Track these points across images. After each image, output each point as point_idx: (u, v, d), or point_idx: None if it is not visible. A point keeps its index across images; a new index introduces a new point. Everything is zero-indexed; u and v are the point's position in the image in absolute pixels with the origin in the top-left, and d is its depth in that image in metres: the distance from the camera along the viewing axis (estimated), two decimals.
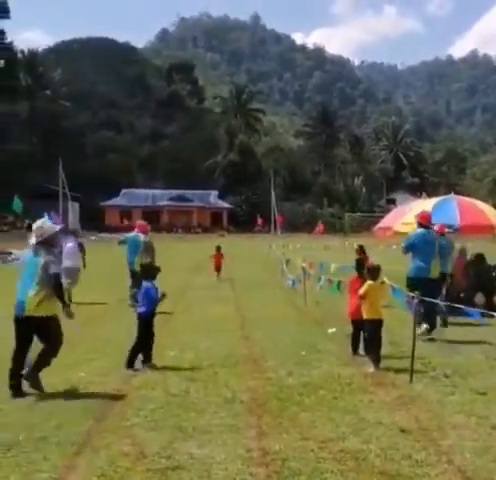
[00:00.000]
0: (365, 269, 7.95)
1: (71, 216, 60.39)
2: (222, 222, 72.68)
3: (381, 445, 4.89)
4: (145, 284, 7.73)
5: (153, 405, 5.94)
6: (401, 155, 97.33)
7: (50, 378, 6.95)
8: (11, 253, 29.99)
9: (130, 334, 9.65)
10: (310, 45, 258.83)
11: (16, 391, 6.33)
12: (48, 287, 6.47)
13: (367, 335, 7.67)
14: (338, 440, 5.01)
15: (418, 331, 9.51)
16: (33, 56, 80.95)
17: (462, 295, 12.39)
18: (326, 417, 5.61)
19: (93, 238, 43.99)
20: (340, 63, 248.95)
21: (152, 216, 68.28)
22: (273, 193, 28.97)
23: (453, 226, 12.04)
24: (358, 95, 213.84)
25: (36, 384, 6.44)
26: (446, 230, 11.40)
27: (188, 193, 72.11)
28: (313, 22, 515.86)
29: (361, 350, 7.95)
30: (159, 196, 72.94)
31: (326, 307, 12.40)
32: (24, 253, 6.98)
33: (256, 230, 56.49)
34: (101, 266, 25.37)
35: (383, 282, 8.20)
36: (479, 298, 12.52)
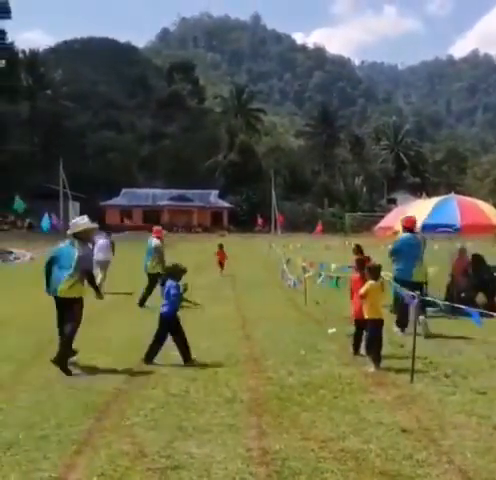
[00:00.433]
0: (366, 269, 7.94)
1: (71, 216, 60.47)
2: (222, 222, 72.65)
3: (382, 445, 4.88)
4: (169, 283, 7.85)
5: (153, 404, 5.94)
6: (402, 155, 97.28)
7: (50, 377, 6.95)
8: (12, 252, 29.99)
9: (131, 333, 9.66)
10: (310, 45, 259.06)
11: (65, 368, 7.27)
12: (78, 275, 7.55)
13: (368, 335, 7.66)
14: (338, 440, 5.00)
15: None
16: (34, 56, 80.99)
17: (463, 295, 12.38)
18: (326, 417, 5.60)
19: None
20: (340, 63, 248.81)
21: (152, 216, 68.27)
22: (273, 193, 28.97)
23: (454, 226, 12.02)
24: (358, 95, 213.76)
25: (64, 362, 7.31)
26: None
27: (188, 193, 72.08)
28: (313, 22, 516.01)
29: (362, 350, 7.93)
30: (159, 196, 72.91)
31: (326, 307, 12.40)
32: (60, 244, 7.92)
33: (256, 230, 56.52)
34: None
35: (382, 282, 8.18)
36: (480, 298, 12.51)
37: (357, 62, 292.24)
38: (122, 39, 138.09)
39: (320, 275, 12.71)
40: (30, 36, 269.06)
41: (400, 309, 9.87)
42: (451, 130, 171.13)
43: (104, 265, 15.93)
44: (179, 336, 7.74)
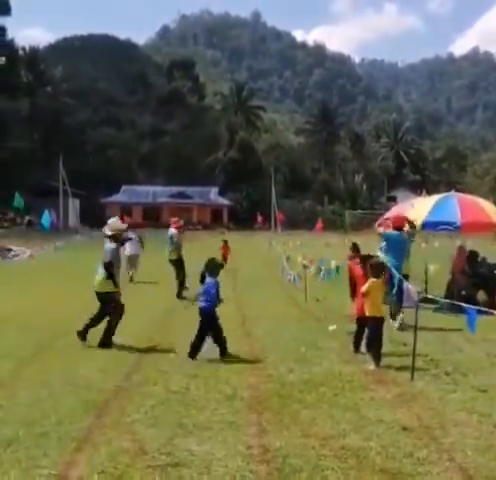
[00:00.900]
0: (368, 266, 7.94)
1: (71, 213, 60.47)
2: (222, 219, 72.61)
3: (382, 443, 4.88)
4: (208, 280, 7.95)
5: (153, 401, 5.93)
6: (402, 152, 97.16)
7: (50, 374, 6.94)
8: (11, 250, 29.96)
9: (131, 331, 9.65)
10: (310, 42, 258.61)
11: (83, 337, 8.53)
12: (104, 269, 8.47)
13: (369, 333, 7.65)
14: (339, 437, 5.00)
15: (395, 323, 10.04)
16: (34, 53, 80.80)
17: (463, 293, 12.38)
18: (327, 414, 5.59)
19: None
20: (340, 60, 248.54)
21: (152, 213, 68.27)
22: (273, 190, 28.98)
23: (454, 223, 12.01)
24: (358, 92, 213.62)
25: (107, 345, 8.42)
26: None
27: (188, 190, 72.03)
28: (314, 19, 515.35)
29: (363, 348, 7.92)
30: (159, 193, 72.87)
31: (326, 304, 12.39)
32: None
33: (256, 227, 56.47)
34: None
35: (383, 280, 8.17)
36: (480, 296, 12.50)
37: (357, 60, 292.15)
38: (122, 36, 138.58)
39: (320, 270, 12.72)
40: (30, 33, 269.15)
41: (395, 300, 10.22)
42: (451, 128, 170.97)
43: (134, 259, 17.66)
44: (215, 332, 7.84)
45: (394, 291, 9.95)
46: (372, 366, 7.34)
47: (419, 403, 5.96)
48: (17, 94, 74.22)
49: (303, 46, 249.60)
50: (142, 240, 18.40)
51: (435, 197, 13.74)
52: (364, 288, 7.68)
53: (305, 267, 14.27)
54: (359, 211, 61.55)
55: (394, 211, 14.97)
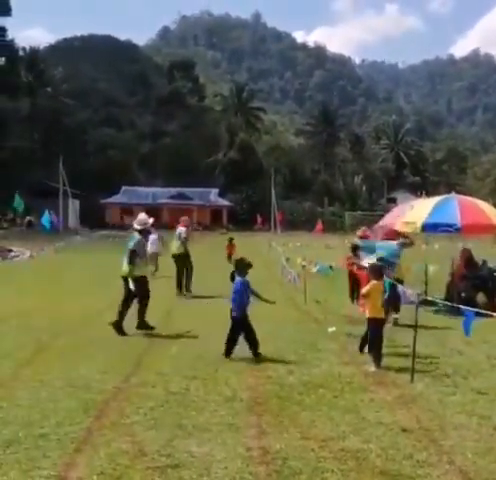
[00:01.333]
0: (369, 268, 7.96)
1: (71, 213, 60.48)
2: (222, 220, 72.60)
3: (382, 445, 4.87)
4: (237, 279, 8.08)
5: (153, 403, 5.93)
6: (402, 154, 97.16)
7: (50, 375, 6.94)
8: (11, 250, 29.93)
9: (130, 331, 9.64)
10: (311, 43, 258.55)
11: (119, 329, 9.34)
12: (128, 257, 9.57)
13: (369, 334, 7.66)
14: (338, 439, 4.99)
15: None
16: (34, 53, 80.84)
17: (463, 295, 12.37)
18: (326, 416, 5.59)
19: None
20: (341, 62, 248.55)
21: (152, 214, 67.59)
22: (273, 191, 29.04)
23: (454, 225, 12.01)
24: (359, 94, 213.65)
25: (144, 326, 9.50)
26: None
27: (188, 191, 72.02)
28: (314, 20, 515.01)
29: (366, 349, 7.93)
30: (159, 194, 72.86)
31: (326, 306, 12.39)
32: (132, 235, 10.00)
33: (256, 228, 56.46)
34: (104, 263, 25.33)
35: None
36: (480, 298, 12.50)
37: (358, 61, 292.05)
38: (122, 37, 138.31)
39: (316, 264, 12.79)
40: (31, 34, 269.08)
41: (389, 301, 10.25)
42: (451, 130, 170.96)
43: (154, 257, 18.54)
44: (246, 333, 7.94)
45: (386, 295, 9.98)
46: (372, 368, 7.34)
47: (419, 405, 5.96)
48: (17, 94, 74.20)
49: (303, 47, 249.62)
50: (163, 239, 19.83)
51: (435, 199, 13.75)
52: (364, 290, 7.72)
53: (304, 269, 14.27)
54: (359, 212, 61.61)
55: (394, 213, 14.99)
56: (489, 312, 6.79)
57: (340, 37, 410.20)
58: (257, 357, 7.85)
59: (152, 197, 73.00)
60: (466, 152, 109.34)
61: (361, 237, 13.78)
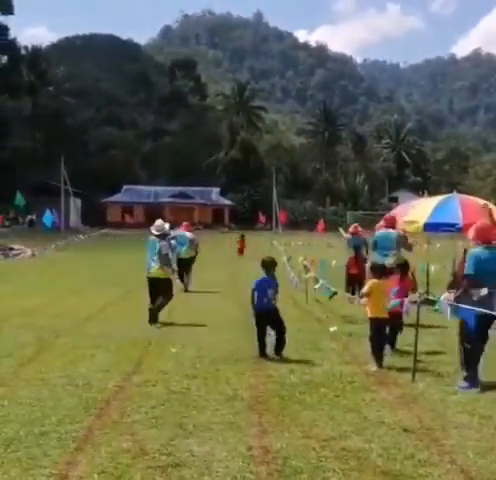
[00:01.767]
0: (369, 268, 7.97)
1: (73, 212, 60.52)
2: (223, 219, 72.62)
3: (383, 444, 4.86)
4: (262, 277, 8.29)
5: (154, 402, 5.92)
6: (403, 153, 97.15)
7: (51, 374, 6.94)
8: (12, 249, 29.96)
9: (131, 329, 9.65)
10: (312, 43, 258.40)
11: (153, 319, 10.32)
12: (162, 260, 10.53)
13: (371, 333, 7.65)
14: (340, 439, 4.98)
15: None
16: (36, 52, 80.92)
17: None
18: (328, 415, 5.58)
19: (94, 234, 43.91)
20: (342, 61, 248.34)
21: (154, 213, 68.11)
22: (274, 191, 29.18)
23: (456, 225, 11.99)
24: (360, 93, 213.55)
25: (155, 319, 10.32)
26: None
27: (190, 190, 72.03)
28: (316, 20, 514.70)
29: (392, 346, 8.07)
30: (161, 193, 72.88)
31: (327, 305, 12.38)
32: (149, 239, 10.89)
33: (258, 227, 56.48)
34: (106, 262, 25.39)
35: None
36: None
37: (359, 60, 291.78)
38: (124, 36, 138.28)
39: (317, 281, 12.71)
40: (34, 32, 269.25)
41: None
42: (453, 129, 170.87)
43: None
44: (278, 328, 8.06)
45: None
46: (374, 367, 7.33)
47: (420, 405, 5.94)
48: (19, 93, 74.29)
49: (305, 46, 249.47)
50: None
51: (437, 198, 13.72)
52: (364, 289, 7.74)
53: (306, 269, 14.25)
54: (360, 212, 61.58)
55: (396, 212, 14.96)
56: (489, 312, 6.76)
57: (342, 36, 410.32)
58: (278, 355, 7.89)
59: (153, 196, 73.02)
60: (468, 152, 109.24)
61: (353, 233, 14.05)
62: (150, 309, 10.45)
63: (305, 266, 14.45)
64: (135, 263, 23.31)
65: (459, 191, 15.99)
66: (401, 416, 5.57)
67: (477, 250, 6.86)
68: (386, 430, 5.19)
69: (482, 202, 13.60)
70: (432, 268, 13.92)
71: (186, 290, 15.37)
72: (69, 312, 11.70)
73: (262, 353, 7.96)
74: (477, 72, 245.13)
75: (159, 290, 10.55)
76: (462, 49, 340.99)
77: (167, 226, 11.16)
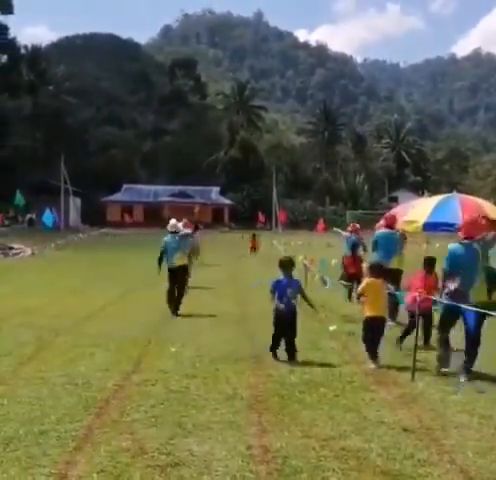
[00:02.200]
0: (367, 267, 7.98)
1: (72, 211, 60.51)
2: (223, 219, 72.62)
3: (383, 444, 4.86)
4: (281, 276, 8.03)
5: (153, 401, 5.91)
6: (403, 153, 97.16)
7: (51, 373, 6.93)
8: (12, 248, 29.94)
9: (131, 329, 9.64)
10: (313, 42, 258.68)
11: (174, 311, 11.50)
12: (183, 249, 12.19)
13: (363, 334, 7.69)
14: (339, 438, 4.98)
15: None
16: (36, 52, 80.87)
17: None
18: (327, 415, 5.58)
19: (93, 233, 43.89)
20: (343, 61, 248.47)
21: (153, 212, 68.21)
22: (274, 190, 29.21)
23: (455, 224, 11.97)
24: (360, 93, 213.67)
25: (177, 310, 11.55)
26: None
27: (189, 189, 72.01)
28: (316, 19, 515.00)
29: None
30: (161, 192, 72.86)
31: (327, 304, 12.36)
32: (166, 238, 12.04)
33: (258, 227, 56.44)
34: (107, 261, 25.36)
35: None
36: None
37: (359, 60, 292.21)
38: (125, 35, 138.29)
39: (325, 282, 12.68)
40: (34, 32, 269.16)
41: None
42: (453, 129, 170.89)
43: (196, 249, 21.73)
44: (289, 332, 7.83)
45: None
46: (372, 365, 7.33)
47: (420, 404, 5.94)
48: (19, 92, 74.29)
49: (305, 46, 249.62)
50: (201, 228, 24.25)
51: (436, 198, 13.67)
52: (360, 288, 7.81)
53: (305, 267, 14.25)
54: (360, 211, 61.59)
55: (396, 211, 14.94)
56: (489, 312, 6.76)
57: (342, 36, 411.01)
58: (291, 360, 7.69)
59: (153, 195, 73.03)
60: (467, 152, 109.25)
61: (351, 231, 14.07)
62: (169, 292, 11.80)
63: (305, 265, 14.46)
64: (135, 263, 23.34)
65: (459, 191, 15.93)
66: (401, 416, 5.57)
67: (453, 246, 7.38)
68: (386, 430, 5.19)
69: (482, 202, 13.61)
70: None
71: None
72: (69, 311, 11.69)
73: (274, 354, 7.81)
74: (477, 72, 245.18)
75: (178, 276, 11.94)
76: (462, 49, 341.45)
77: (180, 225, 12.79)
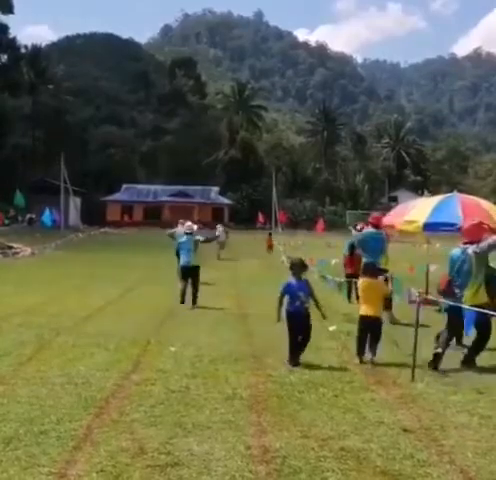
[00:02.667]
0: (362, 267, 8.04)
1: (72, 211, 60.48)
2: (223, 218, 72.56)
3: (382, 444, 4.85)
4: (289, 279, 8.01)
5: (153, 401, 5.91)
6: (403, 153, 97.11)
7: (50, 372, 6.93)
8: (12, 247, 29.92)
9: (131, 329, 9.64)
10: (313, 42, 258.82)
11: (194, 302, 12.42)
12: (195, 253, 13.12)
13: (358, 331, 7.75)
14: (339, 439, 4.98)
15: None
16: (36, 51, 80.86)
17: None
18: (327, 415, 5.57)
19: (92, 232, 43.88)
20: (343, 60, 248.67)
21: (153, 212, 68.21)
22: (274, 190, 29.22)
23: (455, 224, 11.97)
24: (360, 92, 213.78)
25: (195, 301, 12.45)
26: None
27: (189, 189, 71.98)
28: (316, 19, 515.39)
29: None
30: (160, 192, 72.84)
31: (327, 304, 12.36)
32: (182, 238, 13.39)
33: (258, 227, 56.40)
34: (107, 261, 25.35)
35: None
36: None
37: (359, 59, 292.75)
38: (124, 35, 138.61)
39: (324, 277, 12.72)
40: (34, 31, 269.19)
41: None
42: (453, 129, 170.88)
43: (223, 243, 25.16)
44: (300, 334, 7.73)
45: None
46: (356, 360, 7.57)
47: (419, 405, 5.94)
48: (19, 92, 74.23)
49: (305, 46, 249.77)
50: (227, 231, 28.76)
51: (437, 198, 13.68)
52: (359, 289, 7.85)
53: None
54: (360, 211, 61.59)
55: (396, 211, 14.95)
56: (490, 312, 6.77)
57: (342, 36, 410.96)
58: (291, 362, 7.53)
59: (153, 195, 73.01)
60: (468, 151, 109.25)
61: (360, 230, 13.80)
62: (182, 291, 12.71)
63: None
64: (135, 262, 23.35)
65: (459, 191, 15.95)
66: (400, 416, 5.57)
67: (452, 251, 7.67)
68: (385, 430, 5.19)
69: (483, 202, 13.60)
70: (432, 268, 13.88)
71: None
72: (69, 311, 11.69)
73: (296, 361, 7.52)
74: (477, 72, 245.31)
75: (192, 275, 12.74)
76: (463, 48, 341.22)
77: (195, 227, 13.89)
